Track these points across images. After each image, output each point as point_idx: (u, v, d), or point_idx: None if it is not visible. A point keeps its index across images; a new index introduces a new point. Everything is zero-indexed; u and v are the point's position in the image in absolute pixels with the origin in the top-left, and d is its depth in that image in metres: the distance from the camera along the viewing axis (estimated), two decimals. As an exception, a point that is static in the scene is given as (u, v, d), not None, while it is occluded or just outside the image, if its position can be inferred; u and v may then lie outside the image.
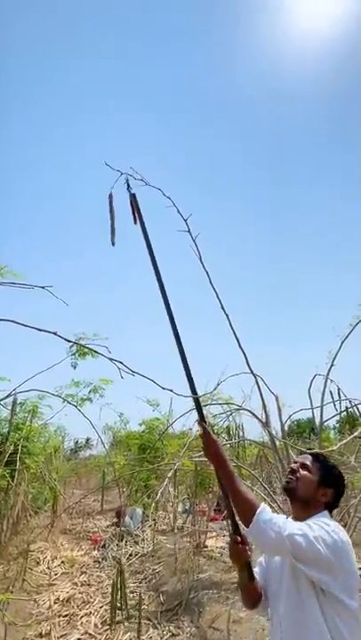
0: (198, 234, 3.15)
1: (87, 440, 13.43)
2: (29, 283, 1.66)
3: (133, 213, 1.51)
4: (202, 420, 1.29)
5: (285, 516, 1.14)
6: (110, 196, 1.55)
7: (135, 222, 1.52)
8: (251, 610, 1.31)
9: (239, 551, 1.21)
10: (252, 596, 1.27)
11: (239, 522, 1.21)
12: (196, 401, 1.31)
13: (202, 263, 3.22)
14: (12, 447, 4.99)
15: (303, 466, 1.25)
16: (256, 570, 1.33)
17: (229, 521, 1.27)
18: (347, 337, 3.35)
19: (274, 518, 1.07)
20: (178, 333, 1.36)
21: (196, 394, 1.32)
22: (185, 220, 3.10)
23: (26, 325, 1.19)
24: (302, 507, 1.20)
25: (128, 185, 1.58)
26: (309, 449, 1.61)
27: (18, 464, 4.81)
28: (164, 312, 1.42)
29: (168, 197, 3.01)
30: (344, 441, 3.09)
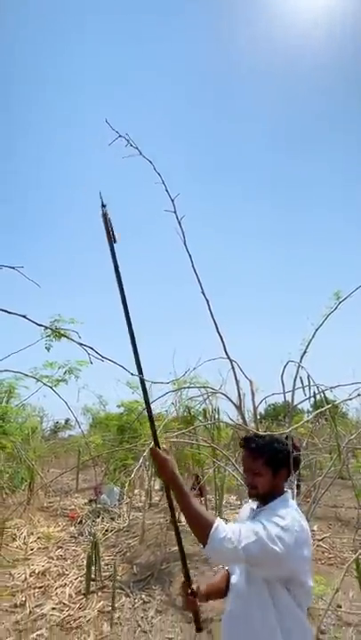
0: (183, 216, 3.13)
1: (66, 421, 13.47)
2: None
3: (108, 233, 1.40)
4: (156, 444, 1.26)
5: (238, 527, 1.11)
6: (104, 215, 1.40)
7: (114, 241, 1.40)
8: None
9: (189, 602, 1.27)
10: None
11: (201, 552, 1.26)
12: (152, 425, 1.30)
13: (185, 246, 3.21)
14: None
15: (255, 473, 1.26)
16: None
17: (182, 568, 1.30)
18: (320, 326, 3.48)
19: (228, 534, 1.07)
20: (131, 327, 1.33)
21: (152, 421, 1.31)
22: (172, 200, 3.07)
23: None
24: (266, 498, 1.25)
25: (102, 202, 1.42)
26: (283, 434, 1.65)
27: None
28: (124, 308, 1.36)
29: (158, 173, 2.97)
30: (293, 426, 3.28)
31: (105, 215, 1.37)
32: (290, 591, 1.13)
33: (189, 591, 1.26)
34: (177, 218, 3.11)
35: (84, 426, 9.02)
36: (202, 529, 1.08)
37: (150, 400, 1.39)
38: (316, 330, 3.49)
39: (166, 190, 3.04)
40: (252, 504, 1.33)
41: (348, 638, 2.70)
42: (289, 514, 1.15)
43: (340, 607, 3.04)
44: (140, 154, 2.96)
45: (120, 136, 2.79)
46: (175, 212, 3.10)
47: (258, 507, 1.28)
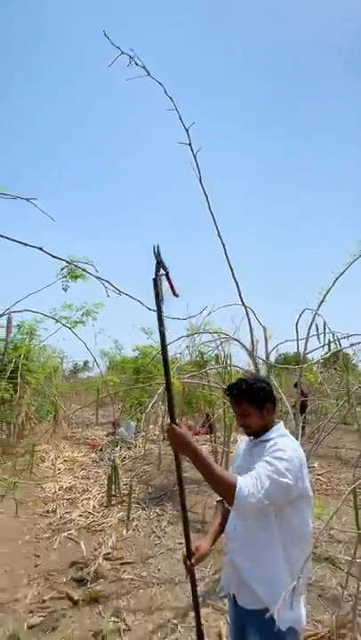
0: (200, 149, 2.85)
1: (85, 363, 14.35)
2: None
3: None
4: (172, 420, 1.28)
5: (254, 479, 1.18)
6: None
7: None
8: None
9: (188, 570, 1.38)
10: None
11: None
12: (170, 402, 1.30)
13: (201, 184, 2.97)
14: (11, 365, 5.30)
15: (244, 415, 1.35)
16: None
17: (185, 541, 1.37)
18: (341, 274, 3.32)
19: (250, 489, 1.14)
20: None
21: (171, 394, 1.29)
22: (186, 130, 2.77)
23: (9, 239, 1.14)
24: (260, 432, 1.37)
25: (158, 259, 1.24)
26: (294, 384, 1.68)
27: (19, 379, 5.18)
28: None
29: (170, 97, 2.66)
30: (304, 365, 3.32)
31: (156, 280, 1.21)
32: (300, 505, 1.26)
33: (188, 563, 1.39)
34: (192, 150, 2.83)
35: (102, 367, 9.55)
36: (227, 491, 1.15)
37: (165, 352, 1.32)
38: (337, 278, 3.34)
39: (180, 118, 2.73)
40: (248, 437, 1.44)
41: (337, 552, 3.06)
42: (287, 445, 1.26)
43: (333, 528, 3.39)
44: (148, 74, 2.60)
45: (122, 53, 2.43)
46: (190, 145, 2.82)
47: (253, 438, 1.39)
